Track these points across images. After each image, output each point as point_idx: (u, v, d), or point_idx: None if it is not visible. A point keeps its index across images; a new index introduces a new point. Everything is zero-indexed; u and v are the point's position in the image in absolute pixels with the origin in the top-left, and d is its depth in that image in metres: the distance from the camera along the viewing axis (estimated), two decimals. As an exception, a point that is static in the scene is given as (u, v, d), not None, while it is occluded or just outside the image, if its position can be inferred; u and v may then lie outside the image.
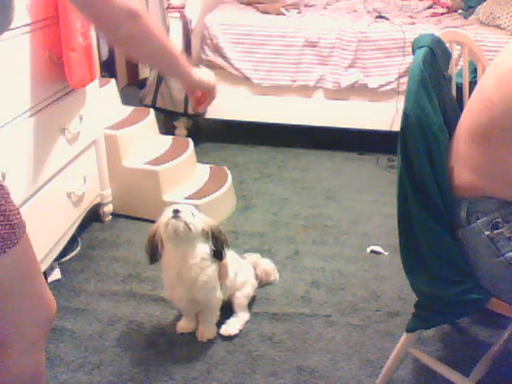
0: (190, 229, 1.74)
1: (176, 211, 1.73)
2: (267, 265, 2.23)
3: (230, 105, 3.46)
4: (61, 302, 2.07)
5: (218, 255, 1.84)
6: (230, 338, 1.93)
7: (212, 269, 1.84)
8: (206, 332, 1.93)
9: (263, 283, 2.19)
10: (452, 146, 1.36)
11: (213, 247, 1.82)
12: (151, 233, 1.81)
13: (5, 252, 1.04)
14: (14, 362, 1.16)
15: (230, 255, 1.94)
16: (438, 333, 1.95)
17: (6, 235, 1.04)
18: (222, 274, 1.91)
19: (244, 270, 2.06)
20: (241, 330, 1.97)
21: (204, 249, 1.81)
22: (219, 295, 1.91)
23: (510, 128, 1.21)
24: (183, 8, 3.33)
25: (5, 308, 1.11)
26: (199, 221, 1.79)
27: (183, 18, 3.33)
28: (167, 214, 1.75)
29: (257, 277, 2.14)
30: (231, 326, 1.96)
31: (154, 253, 1.81)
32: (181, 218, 1.73)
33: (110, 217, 2.68)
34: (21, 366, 1.17)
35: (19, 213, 1.09)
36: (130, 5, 1.07)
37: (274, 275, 2.24)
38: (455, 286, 1.36)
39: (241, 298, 2.02)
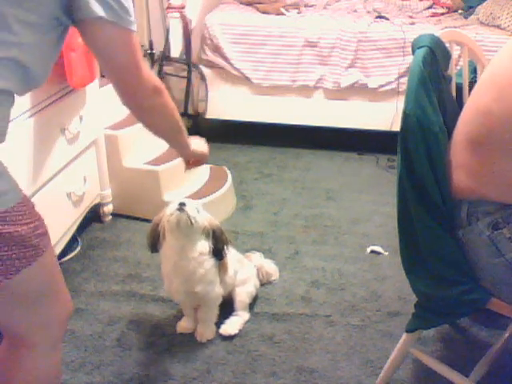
0: (192, 223, 1.76)
1: (182, 204, 1.77)
2: (270, 266, 2.23)
3: (229, 105, 3.46)
4: (61, 302, 2.07)
5: (217, 254, 1.85)
6: (230, 337, 1.93)
7: (210, 263, 1.85)
8: (205, 332, 1.93)
9: (263, 282, 2.20)
10: (450, 150, 1.36)
11: (212, 246, 1.83)
12: (155, 222, 1.84)
13: (35, 260, 1.09)
14: (40, 361, 1.20)
15: (231, 254, 1.95)
16: (438, 333, 1.95)
17: (36, 244, 1.08)
18: (222, 269, 1.92)
19: (246, 269, 2.07)
20: (241, 330, 1.97)
21: (204, 245, 1.82)
22: (218, 290, 1.92)
23: (509, 139, 1.21)
24: (183, 8, 3.33)
25: (33, 311, 1.16)
26: (203, 218, 1.82)
27: (183, 18, 3.33)
28: (173, 205, 1.79)
29: (258, 277, 2.15)
30: (231, 326, 1.96)
31: (154, 242, 1.84)
32: (185, 211, 1.76)
33: (110, 217, 2.68)
34: (46, 366, 1.21)
35: (44, 221, 1.14)
36: (155, 81, 1.20)
37: (275, 275, 2.25)
38: (455, 286, 1.36)
39: (243, 295, 2.02)
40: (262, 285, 2.18)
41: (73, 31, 1.13)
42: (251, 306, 2.08)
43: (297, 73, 3.35)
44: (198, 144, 1.60)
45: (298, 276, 2.28)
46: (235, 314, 2.01)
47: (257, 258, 2.22)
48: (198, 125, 3.75)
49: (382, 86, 3.29)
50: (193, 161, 1.63)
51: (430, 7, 3.88)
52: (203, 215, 1.83)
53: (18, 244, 1.04)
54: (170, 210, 1.79)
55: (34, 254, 1.08)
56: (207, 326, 1.94)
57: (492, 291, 1.35)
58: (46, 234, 1.12)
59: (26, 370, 1.19)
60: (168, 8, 3.39)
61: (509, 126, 1.20)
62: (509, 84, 1.20)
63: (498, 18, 3.30)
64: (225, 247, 1.85)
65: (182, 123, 1.38)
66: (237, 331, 1.95)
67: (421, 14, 3.72)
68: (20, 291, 1.10)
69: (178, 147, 1.51)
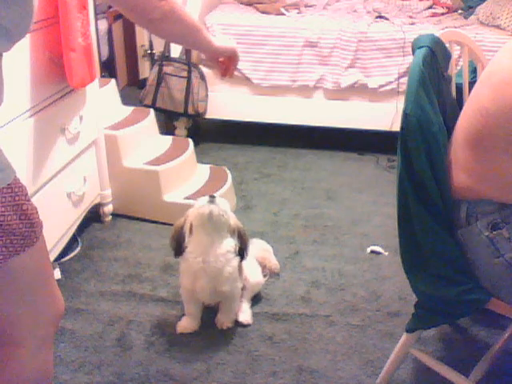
0: (222, 215, 1.80)
1: (212, 196, 1.82)
2: (262, 245, 2.27)
3: (229, 105, 3.46)
4: (61, 302, 2.07)
5: (241, 253, 1.89)
6: (229, 337, 1.94)
7: (236, 261, 1.89)
8: (226, 321, 1.96)
9: (266, 270, 2.22)
10: (449, 149, 1.36)
11: (238, 244, 1.87)
12: (178, 225, 1.87)
13: (24, 250, 1.06)
14: (26, 360, 1.17)
15: None
16: (438, 333, 1.95)
17: (26, 233, 1.06)
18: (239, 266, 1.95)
19: (250, 260, 2.10)
20: (241, 330, 1.97)
21: (231, 243, 1.86)
22: (240, 285, 1.96)
23: (506, 138, 1.21)
24: (183, 8, 3.33)
25: (21, 305, 1.13)
26: (230, 214, 1.87)
27: (183, 17, 3.33)
28: (203, 199, 1.83)
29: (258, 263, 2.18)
30: (247, 314, 2.00)
31: (179, 245, 1.86)
32: (216, 204, 1.81)
33: (110, 217, 2.68)
34: (33, 365, 1.18)
35: (37, 212, 1.11)
36: None
37: (274, 260, 2.27)
38: (455, 286, 1.37)
39: (254, 284, 2.06)
40: (269, 277, 2.19)
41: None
42: (251, 306, 2.08)
43: (297, 73, 3.35)
44: (223, 40, 1.51)
45: (298, 276, 2.28)
46: (241, 300, 2.03)
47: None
48: (198, 125, 3.76)
49: (382, 86, 3.29)
50: (225, 61, 1.54)
51: (429, 7, 3.88)
52: (229, 213, 1.87)
53: (6, 231, 1.01)
54: (201, 203, 1.83)
55: (23, 243, 1.05)
56: (229, 315, 1.97)
57: (492, 291, 1.35)
58: (38, 224, 1.10)
59: (10, 369, 1.16)
60: (168, 8, 3.39)
61: (505, 124, 1.20)
62: (505, 82, 1.21)
63: (498, 18, 3.30)
64: (246, 247, 1.90)
65: (196, 22, 1.37)
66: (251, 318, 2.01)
67: (421, 14, 3.72)
68: (9, 280, 1.08)
69: (203, 47, 1.47)
